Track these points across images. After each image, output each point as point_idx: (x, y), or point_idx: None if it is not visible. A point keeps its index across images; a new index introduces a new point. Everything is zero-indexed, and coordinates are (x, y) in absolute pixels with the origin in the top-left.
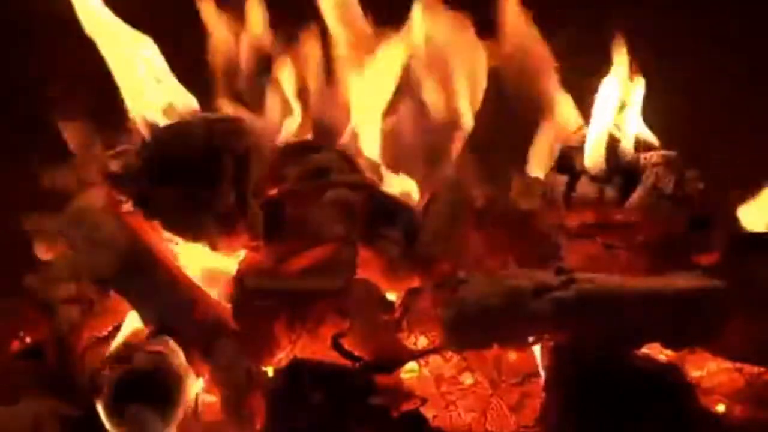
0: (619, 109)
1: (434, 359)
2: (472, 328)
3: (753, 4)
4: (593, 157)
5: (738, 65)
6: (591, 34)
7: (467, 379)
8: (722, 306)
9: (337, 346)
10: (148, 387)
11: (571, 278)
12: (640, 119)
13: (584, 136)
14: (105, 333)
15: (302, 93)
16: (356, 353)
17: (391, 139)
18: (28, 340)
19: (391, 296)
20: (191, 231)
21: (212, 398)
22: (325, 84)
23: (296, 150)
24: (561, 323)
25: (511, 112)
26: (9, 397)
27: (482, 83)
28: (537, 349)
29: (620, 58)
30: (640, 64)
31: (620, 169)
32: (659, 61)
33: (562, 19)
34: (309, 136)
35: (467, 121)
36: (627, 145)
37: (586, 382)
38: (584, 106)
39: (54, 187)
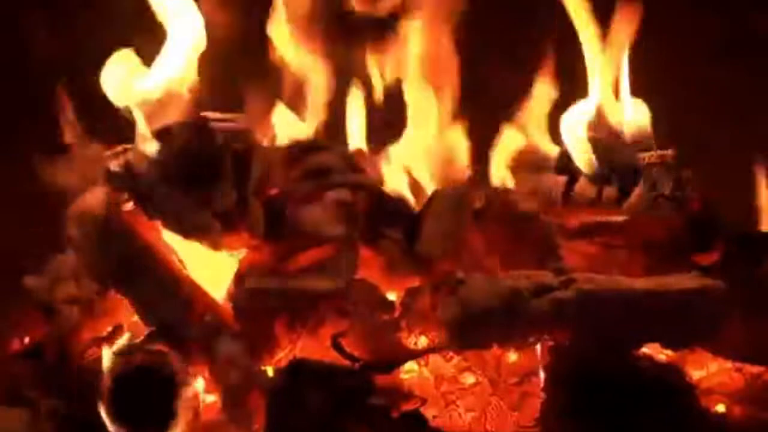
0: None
1: (434, 359)
2: (472, 328)
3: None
4: (584, 161)
5: (738, 64)
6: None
7: (467, 379)
8: (722, 306)
9: (336, 346)
10: (148, 387)
11: (570, 278)
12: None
13: None
14: (105, 333)
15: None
16: (356, 353)
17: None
18: (28, 340)
19: (391, 296)
20: (192, 230)
21: (212, 398)
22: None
23: (297, 150)
24: (561, 323)
25: None
26: (9, 397)
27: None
28: (537, 349)
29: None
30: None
31: (619, 169)
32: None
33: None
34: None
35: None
36: (625, 145)
37: (586, 382)
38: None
39: (54, 186)
